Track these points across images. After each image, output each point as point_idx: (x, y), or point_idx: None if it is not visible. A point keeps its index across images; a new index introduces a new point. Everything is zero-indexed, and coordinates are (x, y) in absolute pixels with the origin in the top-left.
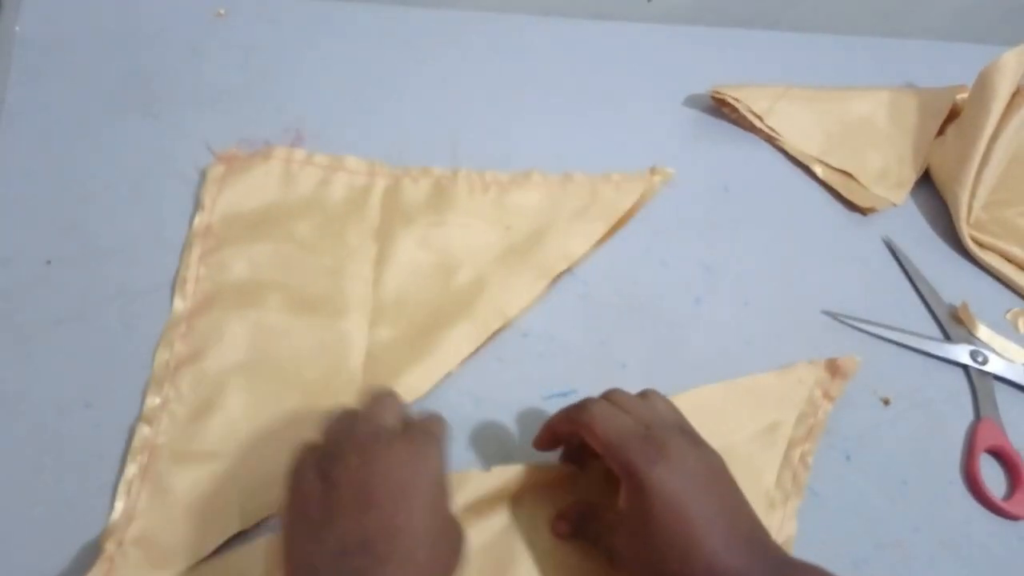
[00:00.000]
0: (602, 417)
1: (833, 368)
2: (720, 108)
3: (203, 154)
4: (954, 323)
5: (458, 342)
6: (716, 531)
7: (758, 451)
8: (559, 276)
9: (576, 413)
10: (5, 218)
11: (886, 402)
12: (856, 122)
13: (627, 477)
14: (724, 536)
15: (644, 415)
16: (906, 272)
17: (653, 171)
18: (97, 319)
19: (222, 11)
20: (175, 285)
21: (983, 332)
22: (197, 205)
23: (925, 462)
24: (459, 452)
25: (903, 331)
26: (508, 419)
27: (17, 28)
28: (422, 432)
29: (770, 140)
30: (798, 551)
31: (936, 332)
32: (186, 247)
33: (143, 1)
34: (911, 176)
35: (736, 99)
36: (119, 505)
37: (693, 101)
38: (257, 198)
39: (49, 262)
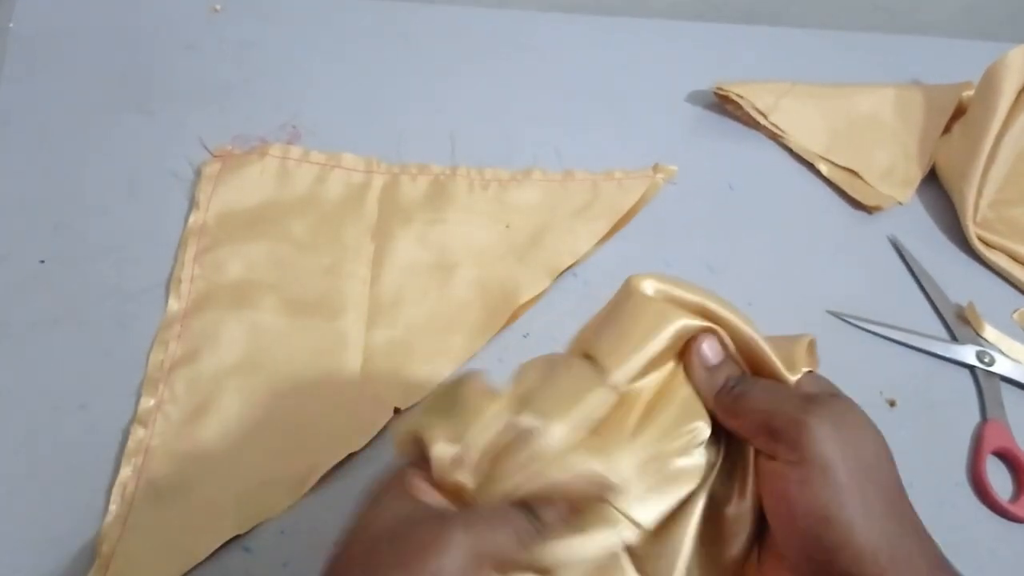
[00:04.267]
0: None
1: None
2: (724, 105)
3: (198, 151)
4: (960, 323)
5: (458, 343)
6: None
7: None
8: (560, 276)
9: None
10: None
11: (892, 404)
12: (861, 119)
13: (778, 434)
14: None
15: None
16: (912, 271)
17: (656, 169)
18: (91, 319)
19: (218, 7)
20: (169, 285)
21: (990, 332)
22: (192, 203)
23: (931, 464)
24: None
25: (909, 331)
26: None
27: (11, 24)
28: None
29: (774, 137)
30: None
31: (942, 332)
32: (181, 246)
33: None
34: (917, 174)
35: (740, 96)
36: (113, 508)
37: (696, 98)
38: (253, 196)
39: (43, 261)
